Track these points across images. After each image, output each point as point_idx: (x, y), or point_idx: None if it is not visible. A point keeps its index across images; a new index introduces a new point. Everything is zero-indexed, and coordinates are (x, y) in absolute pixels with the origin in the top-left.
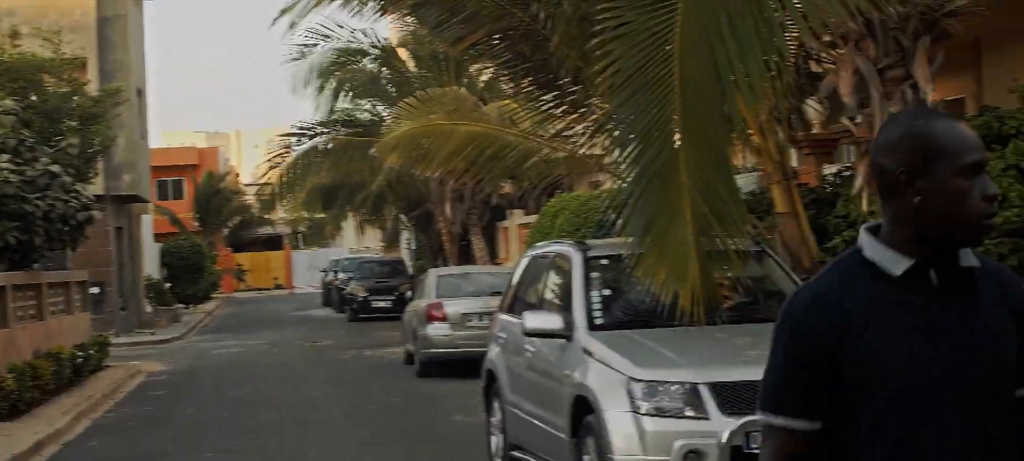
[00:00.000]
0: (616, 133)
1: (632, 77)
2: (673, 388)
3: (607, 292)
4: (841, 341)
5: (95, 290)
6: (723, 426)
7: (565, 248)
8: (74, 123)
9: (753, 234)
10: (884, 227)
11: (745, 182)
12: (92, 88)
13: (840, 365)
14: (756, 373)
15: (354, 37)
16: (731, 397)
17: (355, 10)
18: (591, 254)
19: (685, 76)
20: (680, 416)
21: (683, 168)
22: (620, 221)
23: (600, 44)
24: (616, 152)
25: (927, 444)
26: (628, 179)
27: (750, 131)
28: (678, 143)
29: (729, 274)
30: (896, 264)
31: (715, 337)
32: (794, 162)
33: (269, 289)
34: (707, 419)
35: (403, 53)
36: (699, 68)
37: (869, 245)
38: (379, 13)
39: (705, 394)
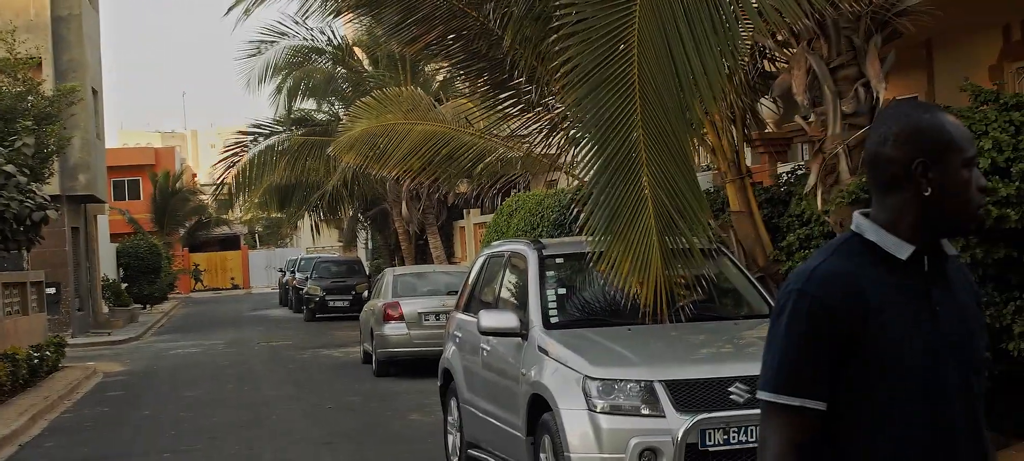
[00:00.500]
0: (573, 131)
1: (591, 74)
2: (629, 386)
3: (563, 291)
4: (862, 319)
5: (51, 291)
6: (678, 424)
7: (521, 247)
8: (29, 123)
9: (709, 232)
10: (881, 215)
11: (700, 180)
12: (47, 88)
13: (857, 344)
14: (711, 371)
15: (311, 35)
16: (686, 395)
17: (309, 9)
18: (547, 253)
19: (643, 73)
20: (636, 414)
21: (644, 164)
22: (582, 215)
23: (558, 40)
24: (575, 149)
25: (932, 422)
26: (589, 174)
27: (705, 130)
28: (639, 139)
29: (686, 272)
30: (901, 249)
31: (670, 335)
32: (748, 161)
33: (226, 289)
34: (663, 417)
35: (359, 53)
36: (658, 65)
37: (870, 229)
38: (333, 14)
39: (660, 392)
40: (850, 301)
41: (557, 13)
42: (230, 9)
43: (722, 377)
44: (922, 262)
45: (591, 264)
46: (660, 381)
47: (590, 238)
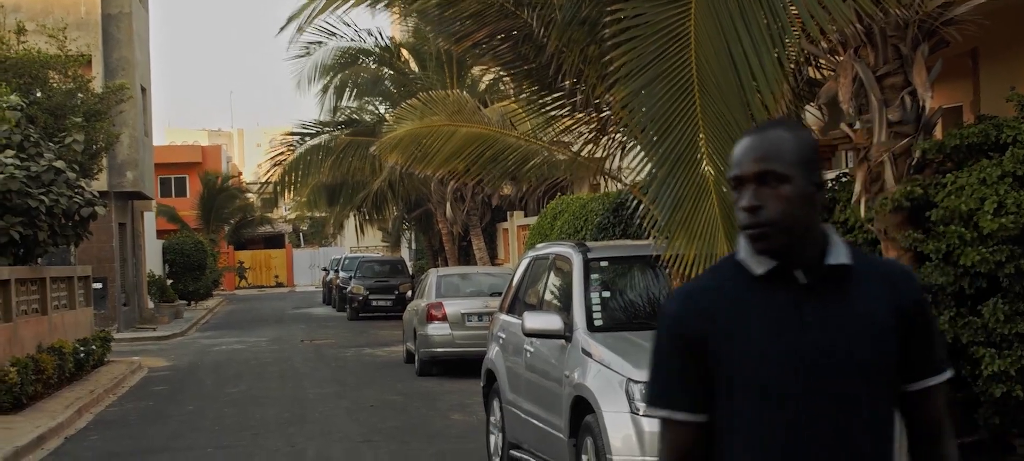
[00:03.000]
0: (624, 128)
1: (646, 68)
2: None
3: (607, 293)
4: (708, 337)
5: (98, 285)
6: None
7: (565, 249)
8: (79, 119)
9: None
10: None
11: None
12: (97, 85)
13: (709, 360)
14: None
15: (359, 36)
16: None
17: (355, 3)
18: (591, 256)
19: (702, 68)
20: None
21: (705, 155)
22: (640, 209)
23: (610, 36)
24: (625, 148)
25: (788, 432)
26: (645, 169)
27: None
28: (698, 131)
29: None
30: (759, 264)
31: None
32: None
33: (270, 287)
34: None
35: (405, 54)
36: (717, 61)
37: (742, 247)
38: (383, 5)
39: None
40: (697, 318)
41: (608, 9)
42: (283, 27)
43: None
44: (793, 276)
45: (654, 259)
46: None
47: (655, 235)
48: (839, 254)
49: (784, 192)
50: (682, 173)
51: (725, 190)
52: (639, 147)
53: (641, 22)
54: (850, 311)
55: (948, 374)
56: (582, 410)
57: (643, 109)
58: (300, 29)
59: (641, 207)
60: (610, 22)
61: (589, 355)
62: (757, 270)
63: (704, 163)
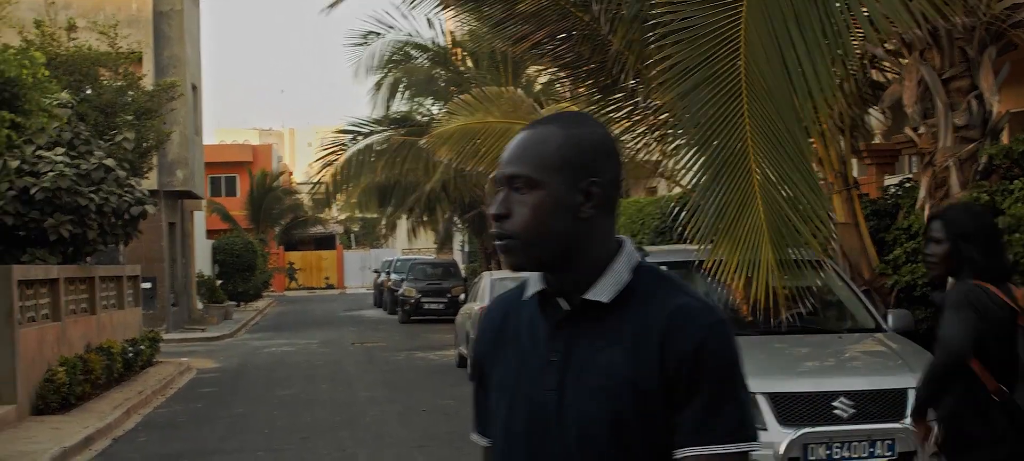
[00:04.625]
0: (673, 131)
1: (692, 71)
2: None
3: None
4: (486, 360)
5: (147, 285)
6: (781, 437)
7: None
8: (129, 117)
9: (829, 228)
10: None
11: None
12: (147, 83)
13: (488, 385)
14: (815, 384)
15: (415, 30)
16: (790, 408)
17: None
18: (648, 261)
19: (751, 72)
20: None
21: (752, 162)
22: (684, 215)
23: (657, 38)
24: (675, 149)
25: None
26: (691, 173)
27: (811, 139)
28: (746, 137)
29: (793, 284)
30: (532, 284)
31: (774, 347)
32: (855, 172)
33: (320, 288)
34: (764, 430)
35: (460, 52)
36: (768, 66)
37: None
38: (439, 7)
39: (763, 404)
40: (480, 339)
41: (654, 12)
42: (332, 6)
43: (826, 391)
44: (558, 304)
45: (696, 266)
46: (763, 393)
47: (697, 242)
48: (604, 287)
49: (530, 200)
50: (727, 179)
51: (777, 197)
52: (685, 151)
53: (689, 25)
54: (592, 358)
55: (720, 448)
56: None
57: (687, 115)
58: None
59: (682, 214)
60: (655, 25)
61: None
62: (528, 291)
63: (751, 170)
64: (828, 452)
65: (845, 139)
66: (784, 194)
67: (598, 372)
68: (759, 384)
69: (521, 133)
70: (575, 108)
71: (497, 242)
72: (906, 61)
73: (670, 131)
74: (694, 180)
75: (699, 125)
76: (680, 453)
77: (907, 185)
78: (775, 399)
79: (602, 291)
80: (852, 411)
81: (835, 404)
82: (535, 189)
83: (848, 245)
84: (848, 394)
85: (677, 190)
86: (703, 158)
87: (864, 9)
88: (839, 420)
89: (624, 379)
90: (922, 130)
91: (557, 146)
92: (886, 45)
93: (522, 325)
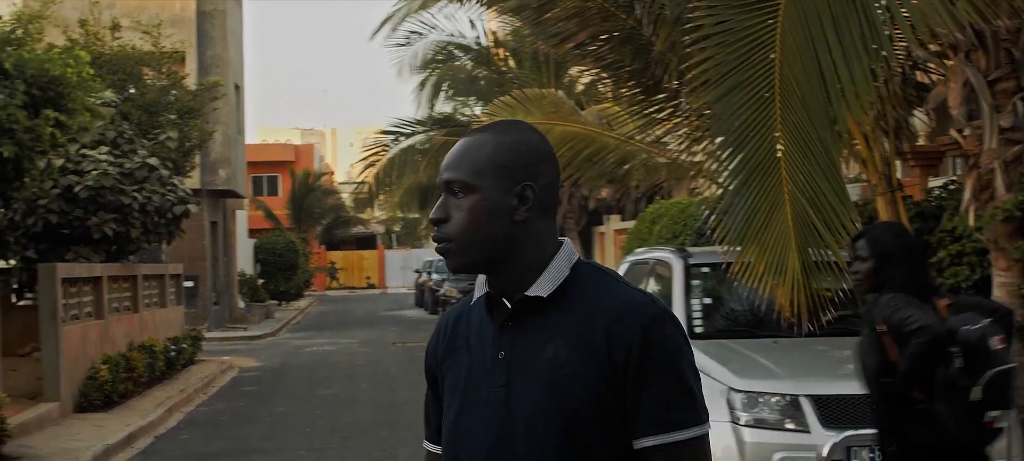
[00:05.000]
0: (708, 133)
1: (727, 75)
2: (773, 399)
3: (708, 300)
4: (440, 366)
5: (189, 284)
6: (824, 439)
7: (666, 255)
8: (172, 116)
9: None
10: None
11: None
12: (190, 82)
13: (441, 392)
14: (858, 386)
15: (458, 31)
16: (832, 410)
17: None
18: (692, 261)
19: (786, 78)
20: (780, 428)
21: (783, 168)
22: (714, 218)
23: (693, 41)
24: (711, 151)
25: None
26: (724, 176)
27: (855, 140)
28: (777, 143)
29: (832, 286)
30: (480, 288)
31: (816, 349)
32: (899, 174)
33: (361, 288)
34: (807, 432)
35: (502, 53)
36: (804, 72)
37: None
38: (482, 6)
39: (806, 406)
40: (433, 346)
41: (690, 14)
42: (377, 30)
43: (868, 393)
44: (504, 305)
45: (725, 268)
46: (806, 395)
47: (725, 244)
48: (543, 283)
49: (466, 204)
50: (757, 184)
51: (805, 206)
52: (719, 154)
53: (724, 28)
54: (537, 353)
55: (678, 435)
56: None
57: (722, 118)
58: (394, 29)
59: (712, 217)
60: (692, 28)
61: None
62: (475, 295)
63: (781, 175)
64: (871, 455)
65: (889, 141)
66: (812, 207)
67: (544, 365)
68: (801, 385)
69: (461, 140)
70: (617, 109)
71: (436, 245)
72: (951, 63)
73: (700, 133)
74: (727, 183)
75: (732, 129)
76: (638, 443)
77: (951, 187)
78: (818, 401)
79: (541, 287)
80: None
81: None
82: (471, 193)
83: None
84: None
85: (708, 192)
86: (734, 163)
87: (904, 12)
88: None
89: (571, 371)
90: (967, 132)
91: (491, 151)
92: (930, 47)
93: (472, 329)
